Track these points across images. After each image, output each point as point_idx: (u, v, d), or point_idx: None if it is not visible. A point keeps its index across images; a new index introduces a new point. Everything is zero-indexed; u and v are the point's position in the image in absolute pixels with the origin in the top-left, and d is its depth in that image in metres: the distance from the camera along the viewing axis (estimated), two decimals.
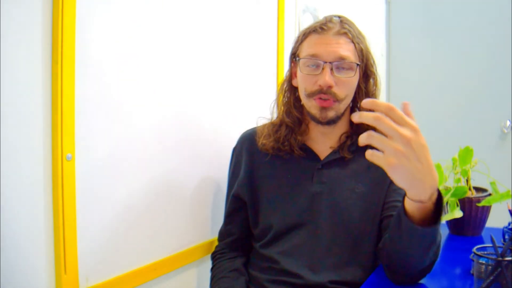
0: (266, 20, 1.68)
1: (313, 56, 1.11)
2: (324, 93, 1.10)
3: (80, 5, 0.97)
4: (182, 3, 1.27)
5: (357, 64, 1.11)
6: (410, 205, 0.86)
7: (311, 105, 1.13)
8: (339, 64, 1.10)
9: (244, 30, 1.56)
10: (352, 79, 1.12)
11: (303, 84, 1.14)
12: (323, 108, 1.11)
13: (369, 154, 0.76)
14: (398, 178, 0.78)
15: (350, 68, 1.11)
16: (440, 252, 0.99)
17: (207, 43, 1.37)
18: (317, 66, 1.11)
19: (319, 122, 1.14)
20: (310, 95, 1.12)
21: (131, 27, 1.12)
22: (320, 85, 1.09)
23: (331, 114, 1.12)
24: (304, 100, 1.15)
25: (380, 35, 2.97)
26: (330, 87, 1.09)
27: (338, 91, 1.10)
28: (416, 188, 0.81)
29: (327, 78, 1.08)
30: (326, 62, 1.09)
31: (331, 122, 1.14)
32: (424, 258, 0.95)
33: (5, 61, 0.86)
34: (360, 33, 1.15)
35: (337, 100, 1.11)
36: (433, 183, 0.80)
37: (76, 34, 0.97)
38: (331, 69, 1.09)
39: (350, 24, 1.14)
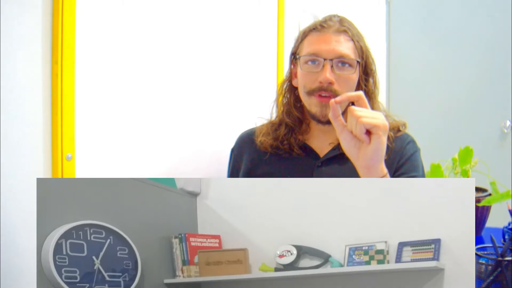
0: (266, 20, 1.68)
1: (313, 54, 1.10)
2: (324, 90, 1.09)
3: (80, 5, 0.97)
4: (182, 3, 1.27)
5: (357, 61, 1.11)
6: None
7: (311, 103, 1.12)
8: (339, 61, 1.09)
9: (244, 30, 1.56)
10: (352, 76, 1.11)
11: (303, 82, 1.13)
12: (324, 105, 1.10)
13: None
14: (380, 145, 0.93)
15: (350, 65, 1.10)
16: None
17: (207, 43, 1.37)
18: (317, 63, 1.10)
19: (319, 120, 1.13)
20: (310, 92, 1.11)
21: (131, 27, 1.12)
22: (320, 82, 1.08)
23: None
24: (304, 98, 1.15)
25: (380, 35, 2.97)
26: (330, 83, 1.08)
27: (339, 88, 1.09)
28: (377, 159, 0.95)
29: (327, 74, 1.07)
30: (326, 60, 1.08)
31: None
32: None
33: (5, 61, 0.86)
34: (359, 32, 1.15)
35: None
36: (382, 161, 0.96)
37: (76, 34, 0.97)
38: (331, 66, 1.08)
39: (349, 23, 1.14)
